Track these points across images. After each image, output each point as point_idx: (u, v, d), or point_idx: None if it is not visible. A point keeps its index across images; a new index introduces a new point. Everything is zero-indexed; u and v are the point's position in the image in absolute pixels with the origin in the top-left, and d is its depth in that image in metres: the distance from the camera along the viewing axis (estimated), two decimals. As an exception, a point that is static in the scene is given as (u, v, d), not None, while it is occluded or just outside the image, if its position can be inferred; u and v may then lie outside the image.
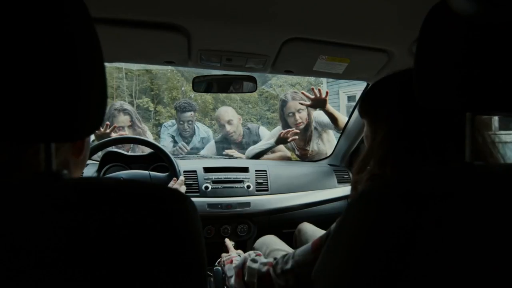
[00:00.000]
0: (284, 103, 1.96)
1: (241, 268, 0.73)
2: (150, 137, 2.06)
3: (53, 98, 0.32)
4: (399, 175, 0.40)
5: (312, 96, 1.64)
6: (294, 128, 1.82)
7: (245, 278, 0.71)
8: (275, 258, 0.69)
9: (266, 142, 1.91)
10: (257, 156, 1.87)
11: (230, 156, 1.93)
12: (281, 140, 1.81)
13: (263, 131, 2.29)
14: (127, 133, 1.86)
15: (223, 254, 0.96)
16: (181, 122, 2.25)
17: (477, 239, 0.33)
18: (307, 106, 1.75)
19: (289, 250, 0.95)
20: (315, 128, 1.96)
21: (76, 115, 0.33)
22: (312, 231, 1.15)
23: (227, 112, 2.18)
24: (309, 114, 1.95)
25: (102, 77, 0.37)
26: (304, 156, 2.01)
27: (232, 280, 0.76)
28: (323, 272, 0.43)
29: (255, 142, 2.17)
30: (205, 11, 0.75)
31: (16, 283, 0.28)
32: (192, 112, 2.25)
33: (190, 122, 2.26)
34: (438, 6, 0.41)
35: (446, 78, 0.41)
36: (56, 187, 0.33)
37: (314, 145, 1.97)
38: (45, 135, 0.33)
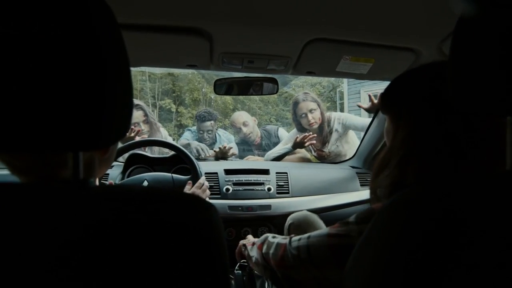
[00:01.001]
0: (295, 104, 1.95)
1: (262, 242, 0.76)
2: (165, 134, 2.08)
3: (80, 106, 0.32)
4: (433, 187, 0.37)
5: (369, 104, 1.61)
6: (311, 133, 1.81)
7: (263, 250, 0.73)
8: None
9: (284, 146, 1.91)
10: (276, 160, 1.86)
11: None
12: (298, 144, 1.80)
13: (282, 132, 2.27)
14: (143, 128, 1.88)
15: (241, 241, 0.94)
16: (201, 132, 2.26)
17: None
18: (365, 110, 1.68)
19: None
20: (336, 130, 1.93)
21: (103, 122, 0.33)
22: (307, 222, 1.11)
23: (241, 115, 2.20)
24: (322, 114, 1.92)
25: (128, 83, 0.38)
26: (321, 157, 1.98)
27: (255, 253, 0.79)
28: (352, 275, 0.42)
29: (275, 144, 2.16)
30: (227, 14, 0.75)
31: None
32: (212, 122, 2.24)
33: (210, 132, 2.25)
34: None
35: (486, 80, 0.38)
36: (83, 196, 0.33)
37: (332, 147, 1.94)
38: (73, 144, 0.33)
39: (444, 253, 0.31)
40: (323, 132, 1.94)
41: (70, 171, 0.38)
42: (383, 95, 0.61)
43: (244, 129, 2.13)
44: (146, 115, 1.92)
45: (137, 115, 1.89)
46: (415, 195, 0.37)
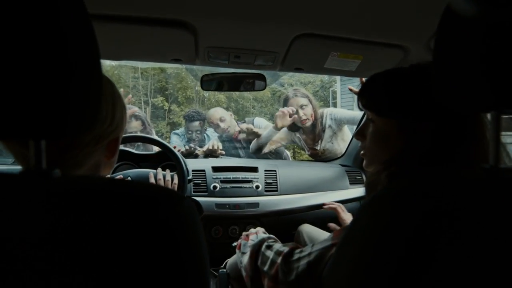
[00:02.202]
0: (286, 101, 1.93)
1: (256, 251, 0.71)
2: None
3: (43, 95, 0.31)
4: (419, 178, 0.38)
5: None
6: (292, 107, 1.81)
7: (258, 263, 0.70)
8: (291, 248, 0.66)
9: (265, 132, 1.92)
10: (262, 146, 1.87)
11: None
12: (280, 121, 1.80)
13: (259, 120, 2.27)
14: None
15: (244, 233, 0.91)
16: (190, 132, 2.26)
17: (500, 249, 0.30)
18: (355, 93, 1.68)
19: None
20: (330, 126, 1.90)
21: (67, 112, 0.32)
22: (313, 232, 1.12)
23: (217, 111, 2.18)
24: (315, 111, 1.90)
25: (97, 74, 0.36)
26: (315, 156, 1.96)
27: (245, 260, 0.74)
28: (331, 277, 0.41)
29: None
30: (212, 7, 0.73)
31: None
32: (200, 121, 2.25)
33: (198, 132, 2.26)
34: None
35: (468, 75, 0.38)
36: (43, 185, 0.32)
37: (326, 144, 1.91)
38: (35, 132, 0.32)
39: (429, 248, 0.31)
40: (316, 129, 1.91)
41: (74, 159, 0.41)
42: (368, 91, 0.61)
43: (222, 125, 2.12)
44: (143, 124, 1.93)
45: (135, 125, 1.90)
46: (397, 190, 0.37)
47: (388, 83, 0.58)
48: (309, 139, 1.93)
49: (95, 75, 0.36)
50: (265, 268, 0.66)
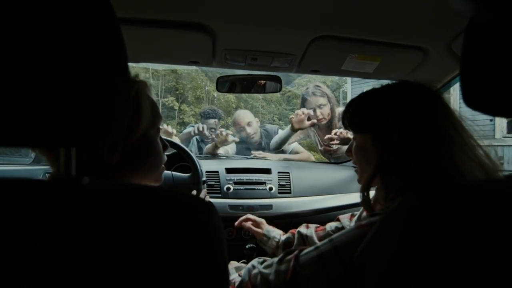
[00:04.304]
0: (304, 99, 1.89)
1: (248, 280, 0.63)
2: None
3: (74, 101, 0.31)
4: (438, 192, 0.38)
5: None
6: (304, 109, 1.76)
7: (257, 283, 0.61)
8: (298, 250, 0.60)
9: (283, 131, 1.88)
10: (280, 145, 1.84)
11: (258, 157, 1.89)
12: (296, 124, 1.75)
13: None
14: None
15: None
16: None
17: None
18: None
19: None
20: None
21: (97, 119, 0.32)
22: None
23: (246, 115, 2.15)
24: (332, 110, 1.86)
25: (126, 80, 0.36)
26: (328, 153, 1.92)
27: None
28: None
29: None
30: (231, 10, 0.73)
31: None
32: (216, 120, 2.20)
33: (212, 130, 2.21)
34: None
35: (499, 80, 0.37)
36: (73, 192, 0.32)
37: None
38: (65, 140, 0.32)
39: (453, 257, 0.31)
40: (332, 127, 1.87)
41: (99, 166, 0.42)
42: (358, 112, 0.65)
43: (248, 129, 2.09)
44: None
45: None
46: (422, 200, 0.37)
47: (361, 103, 0.66)
48: (323, 135, 1.90)
49: (124, 80, 0.36)
50: (272, 278, 0.59)
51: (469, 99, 0.41)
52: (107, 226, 0.30)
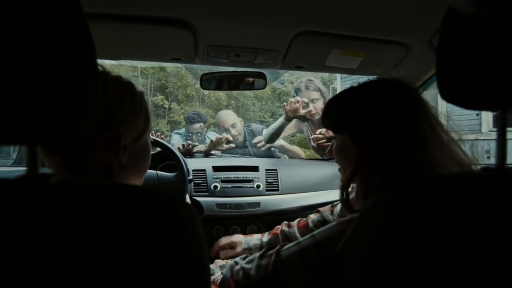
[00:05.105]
0: (297, 92, 1.85)
1: (230, 277, 0.62)
2: None
3: (40, 98, 0.30)
4: (415, 185, 0.39)
5: None
6: (298, 97, 1.70)
7: (239, 279, 0.60)
8: (281, 245, 0.60)
9: (275, 122, 1.83)
10: (274, 137, 1.81)
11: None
12: (290, 112, 1.69)
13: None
14: None
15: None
16: (190, 134, 2.20)
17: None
18: None
19: None
20: None
21: (64, 115, 0.31)
22: None
23: (230, 116, 2.12)
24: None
25: (94, 75, 0.35)
26: (322, 148, 1.91)
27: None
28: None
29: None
30: (211, 5, 0.72)
31: None
32: (201, 124, 2.18)
33: (199, 134, 2.18)
34: None
35: (474, 74, 0.37)
36: (35, 191, 0.31)
37: None
38: (29, 137, 0.31)
39: (429, 246, 0.32)
40: None
41: (98, 164, 0.44)
42: (337, 111, 0.65)
43: (233, 131, 2.05)
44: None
45: None
46: (396, 193, 0.38)
47: (340, 103, 0.66)
48: (316, 130, 1.88)
49: (92, 76, 0.35)
50: (253, 273, 0.58)
51: (444, 92, 0.41)
52: (69, 225, 0.29)
